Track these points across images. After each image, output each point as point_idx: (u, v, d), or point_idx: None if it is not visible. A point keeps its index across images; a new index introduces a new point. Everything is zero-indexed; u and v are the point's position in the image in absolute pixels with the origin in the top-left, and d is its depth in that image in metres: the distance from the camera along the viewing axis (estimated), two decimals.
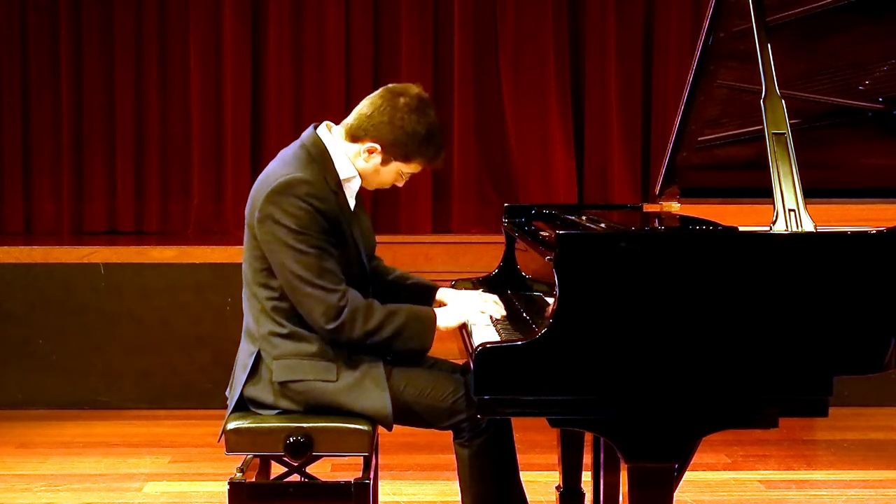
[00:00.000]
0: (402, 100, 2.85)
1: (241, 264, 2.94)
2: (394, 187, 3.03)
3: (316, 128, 2.92)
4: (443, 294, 3.16)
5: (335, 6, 6.79)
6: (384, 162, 2.88)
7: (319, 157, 2.86)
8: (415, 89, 2.88)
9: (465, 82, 6.83)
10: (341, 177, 2.87)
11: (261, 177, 2.87)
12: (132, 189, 6.81)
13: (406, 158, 2.88)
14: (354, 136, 2.88)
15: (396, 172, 2.92)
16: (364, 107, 2.89)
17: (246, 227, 2.88)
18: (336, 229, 2.81)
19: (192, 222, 6.81)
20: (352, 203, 2.93)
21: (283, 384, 2.82)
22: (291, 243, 2.74)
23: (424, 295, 3.16)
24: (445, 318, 2.90)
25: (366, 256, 2.97)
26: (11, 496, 4.23)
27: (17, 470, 4.59)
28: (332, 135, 2.91)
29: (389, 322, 2.81)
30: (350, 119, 2.91)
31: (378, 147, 2.86)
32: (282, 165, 2.84)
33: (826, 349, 2.46)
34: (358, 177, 2.91)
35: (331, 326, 2.76)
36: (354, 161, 2.89)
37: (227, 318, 5.49)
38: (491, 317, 2.95)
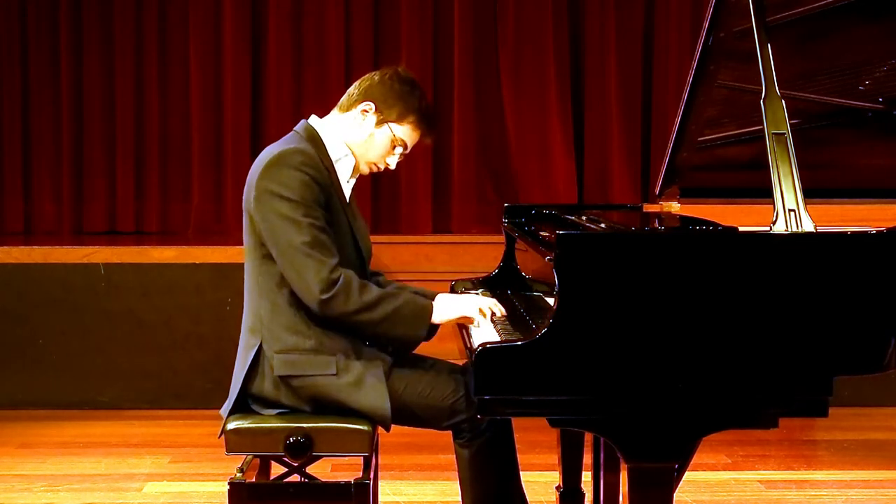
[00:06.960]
0: (386, 69, 2.99)
1: (240, 264, 2.94)
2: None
3: (307, 120, 2.99)
4: (440, 298, 3.16)
5: (335, 6, 6.79)
6: (378, 123, 2.91)
7: (310, 139, 2.90)
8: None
9: (465, 82, 6.83)
10: (332, 157, 2.90)
11: (255, 163, 2.89)
12: (132, 189, 6.81)
13: (399, 117, 2.91)
14: (347, 106, 2.95)
15: (390, 141, 2.92)
16: (352, 87, 3.00)
17: (244, 214, 2.87)
18: (329, 204, 2.82)
19: (192, 222, 6.81)
20: (346, 190, 2.93)
21: (283, 379, 2.81)
22: (287, 213, 2.75)
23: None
24: (441, 312, 2.87)
25: (362, 246, 2.95)
26: (11, 496, 4.23)
27: (17, 470, 4.59)
28: (322, 121, 2.97)
29: (385, 302, 2.79)
30: (341, 99, 2.99)
31: (371, 104, 2.91)
32: (274, 147, 2.88)
33: (826, 349, 2.46)
34: (349, 155, 2.93)
35: (324, 297, 2.73)
36: (348, 132, 2.92)
37: (227, 318, 5.49)
38: (492, 315, 2.93)
